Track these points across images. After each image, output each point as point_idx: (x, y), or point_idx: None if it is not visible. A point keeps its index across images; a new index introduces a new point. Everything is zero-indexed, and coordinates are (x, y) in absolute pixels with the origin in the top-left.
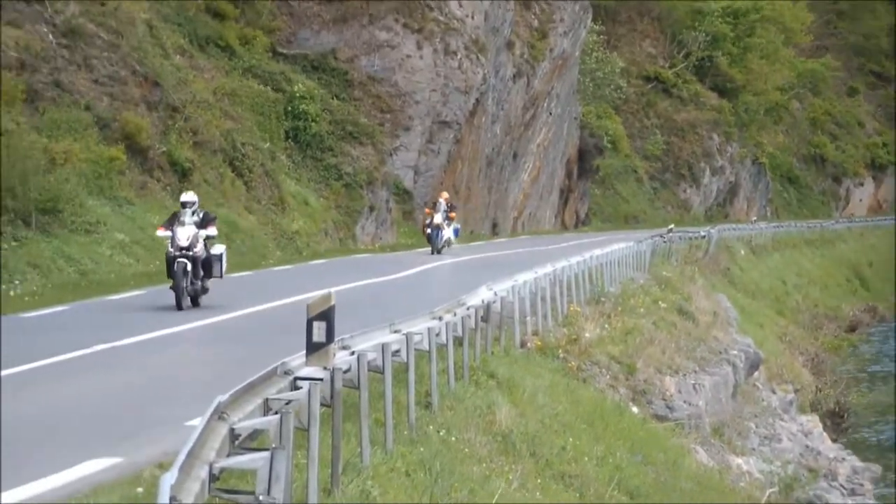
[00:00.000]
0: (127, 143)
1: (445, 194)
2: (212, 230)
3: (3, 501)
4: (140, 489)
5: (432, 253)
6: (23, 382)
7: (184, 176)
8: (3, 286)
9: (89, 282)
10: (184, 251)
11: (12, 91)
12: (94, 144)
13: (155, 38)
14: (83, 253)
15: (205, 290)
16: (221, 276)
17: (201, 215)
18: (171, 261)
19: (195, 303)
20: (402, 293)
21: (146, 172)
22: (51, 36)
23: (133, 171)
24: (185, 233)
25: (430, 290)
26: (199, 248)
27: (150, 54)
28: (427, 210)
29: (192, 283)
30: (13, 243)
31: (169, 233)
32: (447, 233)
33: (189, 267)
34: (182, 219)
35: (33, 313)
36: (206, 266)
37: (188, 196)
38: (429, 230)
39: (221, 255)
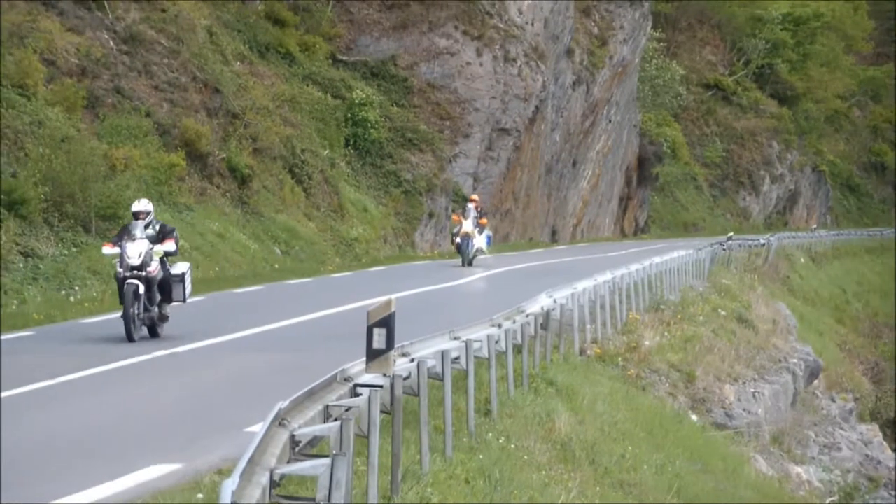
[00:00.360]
0: (187, 150)
1: (476, 198)
2: (170, 245)
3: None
4: (200, 495)
5: (462, 265)
6: (82, 388)
7: (243, 182)
8: (63, 292)
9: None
10: (135, 271)
11: (73, 97)
12: (154, 150)
13: (215, 45)
14: None
15: (163, 318)
16: (184, 300)
17: (157, 227)
18: (120, 283)
19: (153, 333)
20: (461, 300)
21: (206, 179)
22: (111, 42)
23: (193, 178)
24: (136, 249)
25: (488, 298)
26: (154, 267)
27: (211, 61)
28: (454, 216)
29: (146, 308)
30: (73, 249)
31: (117, 249)
32: (478, 241)
33: (142, 290)
34: (133, 232)
35: (93, 319)
36: (164, 288)
37: (141, 205)
38: (457, 240)
39: (184, 274)
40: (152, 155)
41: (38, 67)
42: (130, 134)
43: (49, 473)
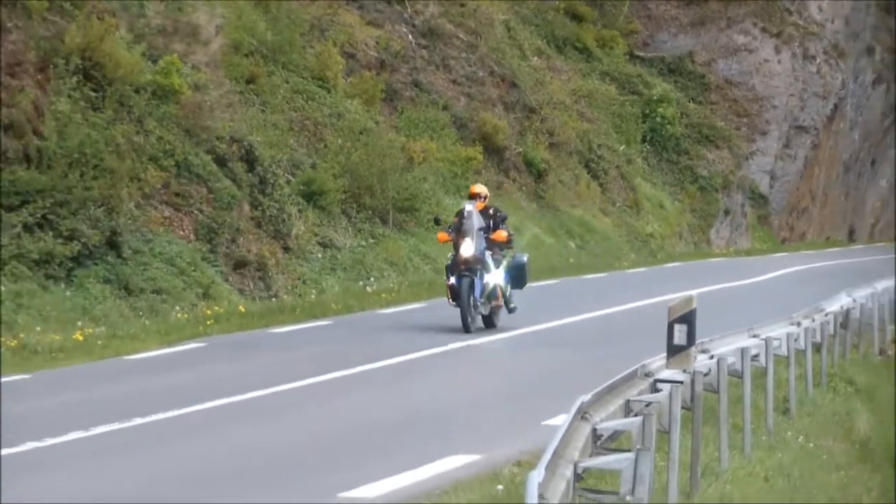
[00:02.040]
0: (484, 143)
1: (481, 189)
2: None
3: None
4: (500, 486)
5: (465, 327)
6: (379, 378)
7: (539, 177)
8: (360, 282)
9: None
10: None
11: (372, 90)
12: (451, 144)
13: (513, 39)
14: (438, 251)
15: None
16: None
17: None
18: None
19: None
20: (756, 299)
21: (502, 172)
22: (410, 36)
23: (489, 171)
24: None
25: (783, 297)
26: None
27: (508, 55)
28: (441, 235)
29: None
30: (370, 240)
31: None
32: (493, 277)
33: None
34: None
35: (389, 310)
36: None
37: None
38: (452, 279)
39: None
40: (449, 148)
41: (337, 60)
42: (428, 127)
43: (350, 462)
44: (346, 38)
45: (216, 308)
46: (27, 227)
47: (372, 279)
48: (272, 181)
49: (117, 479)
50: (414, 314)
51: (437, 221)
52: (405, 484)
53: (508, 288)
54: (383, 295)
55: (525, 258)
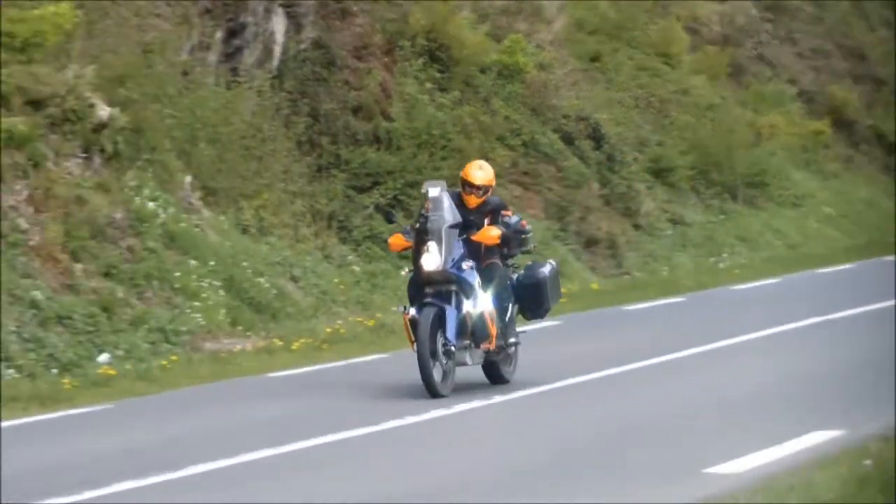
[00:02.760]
0: (833, 117)
1: (480, 174)
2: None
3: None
4: (867, 462)
5: (427, 388)
6: (748, 350)
7: (891, 150)
8: (711, 259)
9: (798, 255)
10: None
11: (717, 65)
12: (798, 118)
13: (859, 11)
14: (790, 226)
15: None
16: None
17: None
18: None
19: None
20: None
21: (852, 146)
22: (754, 10)
23: (839, 145)
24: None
25: None
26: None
27: (855, 27)
28: (395, 240)
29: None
30: (720, 216)
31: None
32: (481, 303)
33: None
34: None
35: (743, 286)
36: None
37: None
38: (412, 311)
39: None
40: (797, 122)
41: (681, 36)
42: (775, 101)
43: (713, 437)
44: (689, 13)
45: (569, 286)
46: (379, 208)
47: (724, 255)
48: (619, 158)
49: (489, 454)
50: (765, 290)
51: (389, 218)
52: (769, 459)
53: (493, 310)
54: (736, 271)
55: (547, 269)
